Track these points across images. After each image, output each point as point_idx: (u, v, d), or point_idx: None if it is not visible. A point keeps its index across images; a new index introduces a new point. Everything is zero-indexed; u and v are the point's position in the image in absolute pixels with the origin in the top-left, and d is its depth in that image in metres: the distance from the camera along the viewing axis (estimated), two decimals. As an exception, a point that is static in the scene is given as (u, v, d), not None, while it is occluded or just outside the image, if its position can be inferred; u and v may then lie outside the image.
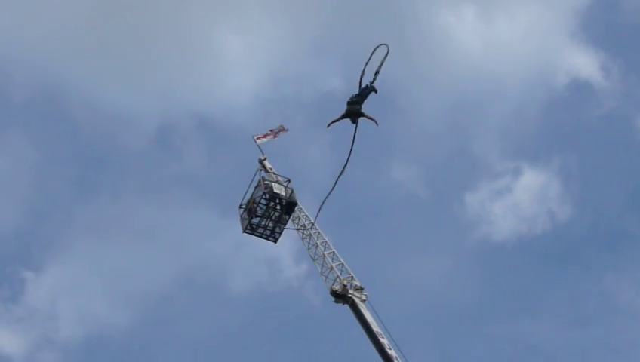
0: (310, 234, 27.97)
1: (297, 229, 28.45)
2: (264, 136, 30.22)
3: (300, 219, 28.57)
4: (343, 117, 22.54)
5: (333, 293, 26.41)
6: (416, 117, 56.13)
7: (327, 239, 27.82)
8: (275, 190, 28.74)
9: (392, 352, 24.95)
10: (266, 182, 28.94)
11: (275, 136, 30.28)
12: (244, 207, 29.26)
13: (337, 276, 26.65)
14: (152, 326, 51.05)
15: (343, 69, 54.16)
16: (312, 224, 27.91)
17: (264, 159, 29.92)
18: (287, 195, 28.88)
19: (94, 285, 51.81)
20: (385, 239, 50.47)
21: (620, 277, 50.33)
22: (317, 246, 27.64)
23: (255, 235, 29.49)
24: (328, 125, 22.69)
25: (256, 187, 29.07)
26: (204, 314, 50.92)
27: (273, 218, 28.98)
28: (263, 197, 28.76)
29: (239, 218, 29.33)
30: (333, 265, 27.00)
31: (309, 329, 46.88)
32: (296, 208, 28.82)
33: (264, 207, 28.91)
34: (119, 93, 54.82)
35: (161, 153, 56.73)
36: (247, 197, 29.22)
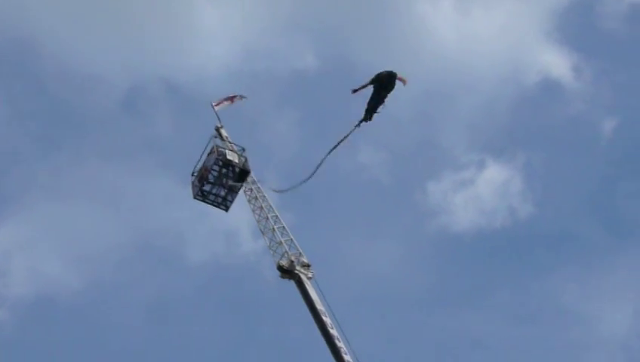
0: (261, 207, 27.65)
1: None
2: (222, 102, 29.80)
3: (252, 190, 28.22)
4: (373, 82, 22.42)
5: (280, 268, 26.13)
6: (387, 103, 55.74)
7: (277, 213, 27.47)
8: (228, 157, 28.28)
9: (333, 332, 24.74)
10: (219, 149, 28.48)
11: (231, 102, 29.85)
12: (196, 174, 28.83)
13: (285, 251, 26.32)
14: (105, 290, 50.69)
15: (317, 48, 54.07)
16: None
17: (221, 127, 29.40)
18: (241, 163, 28.41)
19: (49, 244, 51.47)
20: (342, 220, 50.33)
21: (567, 279, 50.74)
22: (267, 219, 27.30)
23: (206, 202, 29.06)
24: (354, 91, 22.67)
25: (209, 154, 28.59)
26: (157, 282, 50.85)
27: (225, 186, 28.55)
28: (216, 163, 28.30)
29: (191, 185, 28.89)
30: (282, 240, 26.63)
31: (261, 304, 46.69)
32: (248, 178, 28.43)
33: (216, 174, 28.46)
34: (91, 52, 54.25)
35: (128, 117, 56.21)
36: (200, 164, 28.75)
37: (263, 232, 27.26)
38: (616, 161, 54.95)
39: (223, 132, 29.30)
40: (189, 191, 29.23)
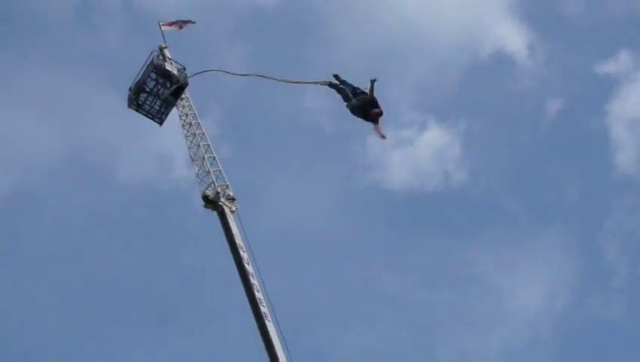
0: (194, 134, 27.37)
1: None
2: (170, 24, 29.29)
3: (187, 116, 27.86)
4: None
5: (205, 198, 25.99)
6: (339, 53, 55.65)
7: (210, 142, 27.24)
8: (166, 67, 28.11)
9: (249, 267, 24.83)
10: (159, 60, 28.28)
11: (180, 27, 29.37)
12: (133, 86, 28.60)
13: (212, 182, 26.14)
14: (30, 197, 50.17)
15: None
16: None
17: (165, 47, 28.91)
18: (180, 76, 28.25)
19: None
20: (278, 161, 50.36)
21: (486, 250, 51.62)
22: (199, 147, 27.05)
23: (140, 113, 28.89)
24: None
25: (148, 66, 28.37)
26: (84, 195, 50.37)
27: (161, 97, 28.33)
28: (154, 71, 28.12)
29: (126, 97, 28.63)
30: (211, 170, 26.42)
31: (184, 232, 46.61)
32: (186, 103, 28.12)
33: (153, 84, 28.27)
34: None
35: (80, 25, 54.94)
36: (139, 77, 28.54)
37: (192, 159, 27.03)
38: (554, 143, 55.83)
39: (167, 52, 28.82)
40: (131, 110, 29.09)
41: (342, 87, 23.32)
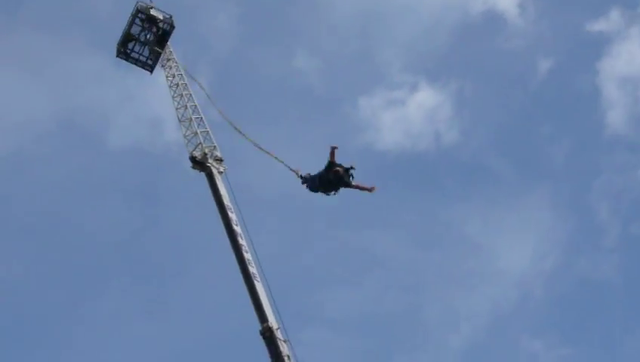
0: (182, 95, 27.13)
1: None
2: None
3: (175, 77, 27.59)
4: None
5: (192, 159, 25.74)
6: (329, 13, 55.48)
7: (197, 103, 26.97)
8: (151, 12, 28.52)
9: (237, 229, 24.65)
10: (143, 7, 28.69)
11: None
12: (120, 40, 28.98)
13: (200, 143, 25.87)
14: (21, 161, 49.96)
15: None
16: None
17: (151, 7, 28.83)
18: (166, 21, 28.68)
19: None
20: (267, 123, 50.05)
21: (474, 210, 51.66)
22: (186, 108, 26.80)
23: (129, 61, 29.24)
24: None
25: (133, 15, 28.76)
26: (74, 159, 50.18)
27: (149, 44, 28.69)
28: (138, 17, 28.43)
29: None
30: (199, 130, 26.14)
31: (174, 195, 46.53)
32: (173, 64, 27.93)
33: (139, 29, 28.60)
34: None
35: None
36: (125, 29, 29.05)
37: (180, 121, 26.80)
38: (544, 102, 55.69)
39: (153, 12, 28.71)
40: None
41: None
